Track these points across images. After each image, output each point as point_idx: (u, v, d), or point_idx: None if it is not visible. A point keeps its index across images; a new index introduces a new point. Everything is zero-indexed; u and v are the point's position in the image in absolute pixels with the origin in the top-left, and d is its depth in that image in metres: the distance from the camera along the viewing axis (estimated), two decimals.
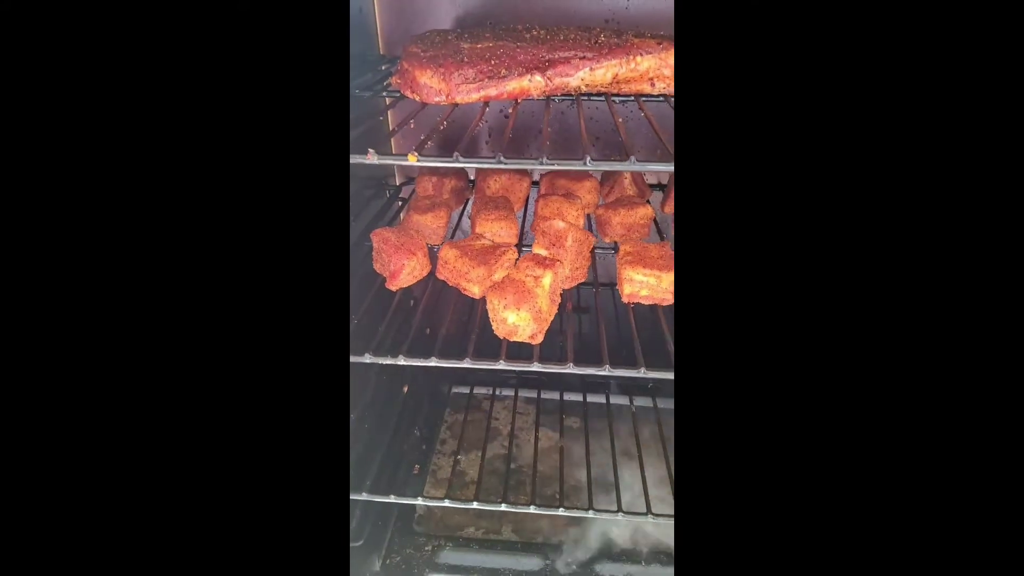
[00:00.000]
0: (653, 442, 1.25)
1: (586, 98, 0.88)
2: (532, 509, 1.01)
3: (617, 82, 0.86)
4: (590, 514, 1.01)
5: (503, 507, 1.02)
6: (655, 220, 1.11)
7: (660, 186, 1.33)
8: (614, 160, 0.73)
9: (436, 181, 1.19)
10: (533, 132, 1.31)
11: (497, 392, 1.50)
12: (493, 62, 0.83)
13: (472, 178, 1.27)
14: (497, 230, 1.03)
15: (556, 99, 0.89)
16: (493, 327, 0.82)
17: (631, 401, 1.42)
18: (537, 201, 1.11)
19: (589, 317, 1.41)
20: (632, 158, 0.71)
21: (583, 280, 0.96)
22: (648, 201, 1.24)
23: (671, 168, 0.71)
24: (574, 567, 1.11)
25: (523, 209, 1.20)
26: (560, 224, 0.90)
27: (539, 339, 0.81)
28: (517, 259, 0.91)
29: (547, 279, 0.81)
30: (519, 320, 0.78)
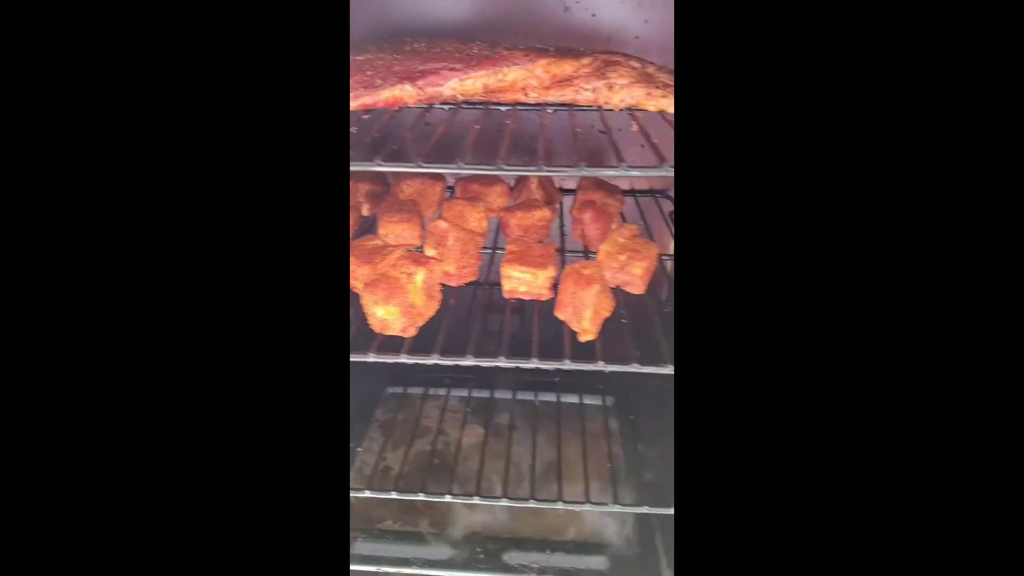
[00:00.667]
0: (574, 436, 1.30)
1: (523, 108, 0.94)
2: (448, 498, 1.06)
3: (490, 91, 0.91)
4: (503, 502, 1.06)
5: (421, 496, 1.06)
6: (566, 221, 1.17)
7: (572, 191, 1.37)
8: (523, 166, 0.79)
9: (352, 185, 1.24)
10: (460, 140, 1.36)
11: (430, 391, 1.55)
12: (369, 73, 0.88)
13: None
14: (399, 232, 1.09)
15: (502, 108, 0.94)
16: (369, 322, 0.87)
17: (558, 398, 1.47)
18: (444, 205, 1.16)
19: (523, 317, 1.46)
20: (541, 164, 0.77)
21: (473, 279, 1.01)
22: (561, 205, 1.30)
23: (581, 173, 0.77)
24: (481, 555, 1.16)
25: (436, 214, 1.25)
26: (443, 224, 0.95)
27: (411, 332, 0.86)
28: None
29: (420, 276, 0.86)
30: (387, 314, 0.83)
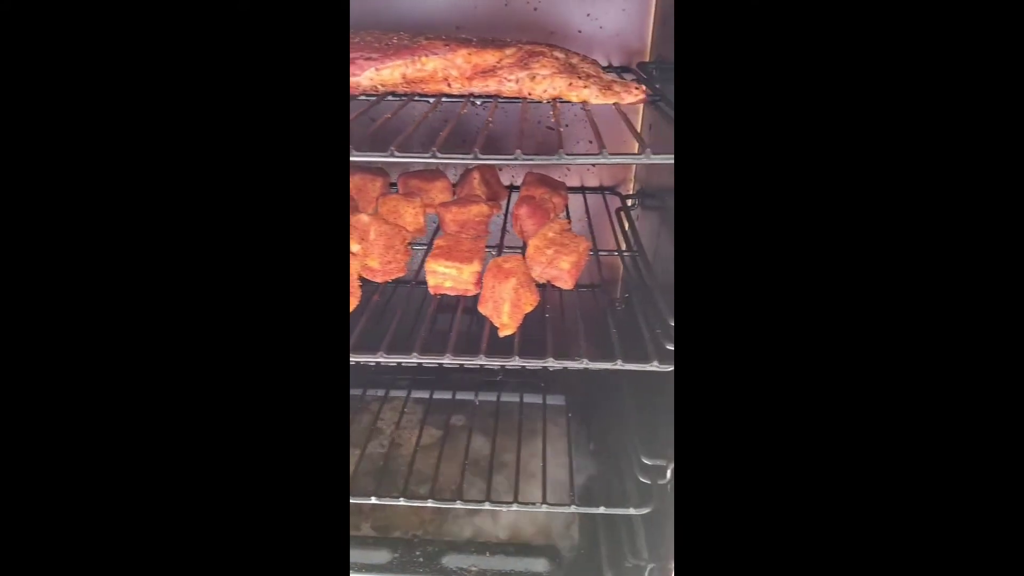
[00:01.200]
0: (532, 438, 1.29)
1: (480, 100, 0.92)
2: (402, 502, 1.03)
3: (411, 81, 0.89)
4: (457, 504, 1.04)
5: (373, 500, 1.04)
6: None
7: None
8: (457, 155, 0.77)
9: None
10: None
11: (388, 394, 1.52)
12: None
13: None
14: None
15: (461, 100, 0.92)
16: None
17: (521, 398, 1.45)
18: (380, 200, 1.14)
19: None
20: (475, 151, 0.75)
21: (400, 274, 0.99)
22: (509, 201, 1.28)
23: (515, 162, 0.75)
24: (420, 559, 1.13)
25: (374, 211, 1.23)
26: (365, 218, 0.93)
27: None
28: None
29: None
30: None
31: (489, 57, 0.90)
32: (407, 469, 1.12)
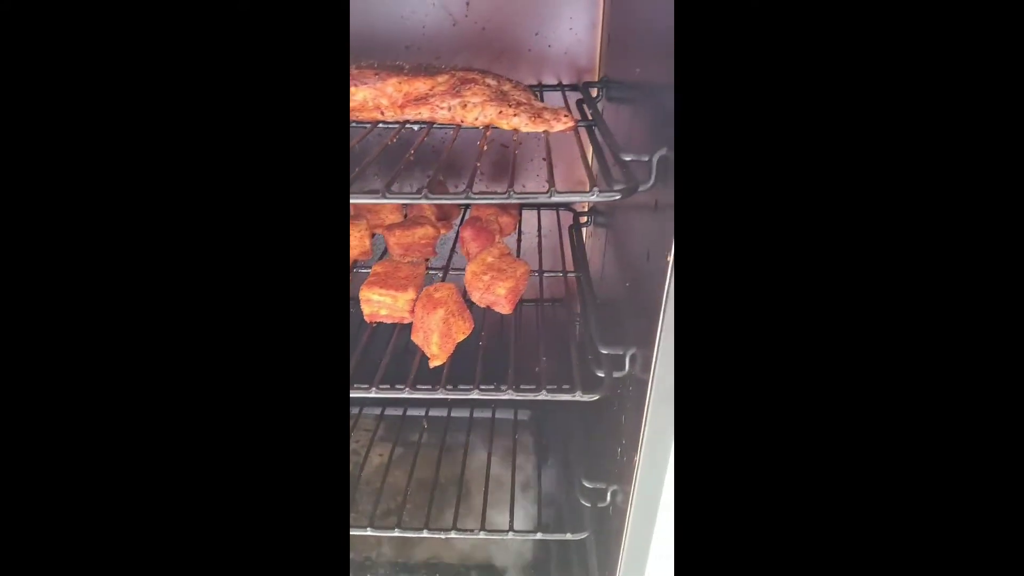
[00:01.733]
0: (481, 455, 1.29)
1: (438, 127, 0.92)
2: (370, 531, 1.03)
3: None
4: (395, 532, 1.04)
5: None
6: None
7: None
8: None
9: None
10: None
11: (361, 412, 1.52)
12: None
13: None
14: None
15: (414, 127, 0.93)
16: None
17: (471, 414, 1.46)
18: None
19: None
20: (468, 191, 0.77)
21: None
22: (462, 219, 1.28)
23: (509, 200, 0.76)
24: None
25: None
26: None
27: None
28: None
29: None
30: None
31: (420, 85, 0.90)
32: (375, 495, 1.13)
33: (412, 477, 1.17)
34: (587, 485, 0.96)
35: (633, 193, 0.70)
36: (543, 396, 0.81)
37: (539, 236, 1.27)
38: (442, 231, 1.17)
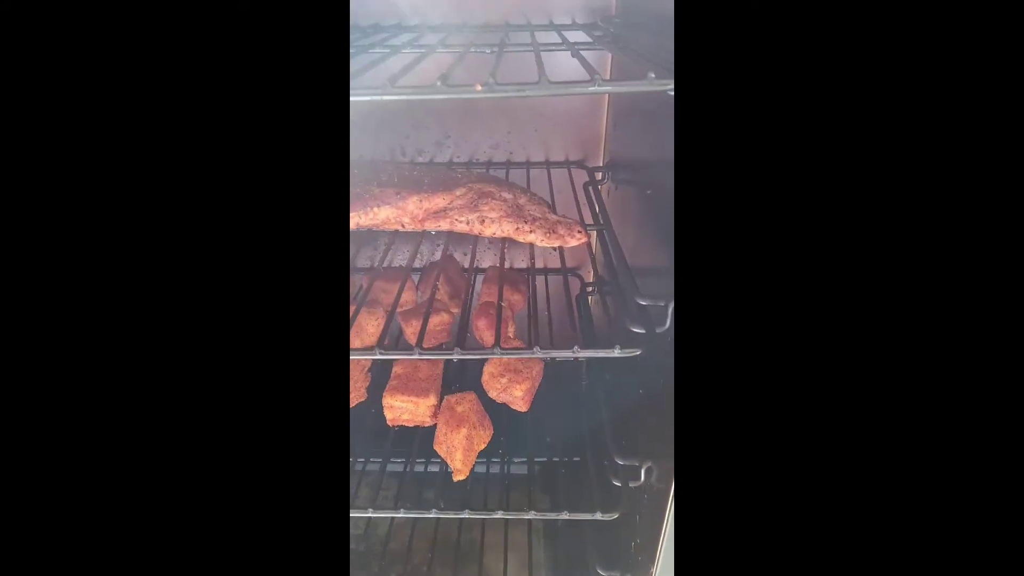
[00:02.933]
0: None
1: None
2: None
3: (363, 226, 0.92)
4: None
5: None
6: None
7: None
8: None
9: None
10: None
11: (366, 467, 1.56)
12: None
13: None
14: None
15: None
16: None
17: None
18: None
19: None
20: (456, 348, 0.81)
21: (360, 400, 1.03)
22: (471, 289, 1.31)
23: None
24: None
25: None
26: None
27: None
28: None
29: None
30: None
31: (439, 201, 0.94)
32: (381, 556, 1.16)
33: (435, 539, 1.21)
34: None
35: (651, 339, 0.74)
36: (565, 516, 0.85)
37: (547, 302, 1.31)
38: (454, 310, 1.21)
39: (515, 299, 1.24)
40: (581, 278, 1.41)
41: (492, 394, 0.98)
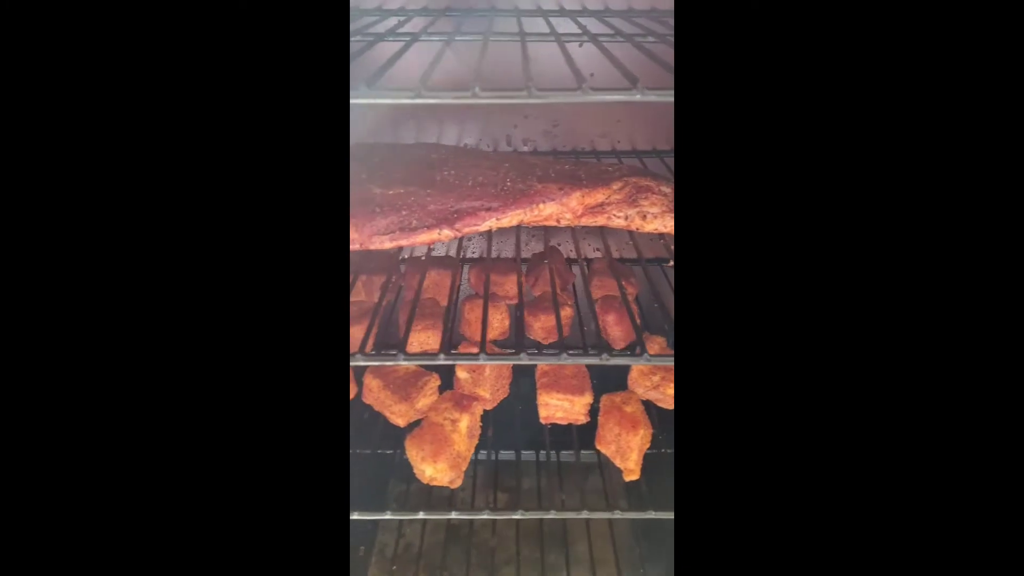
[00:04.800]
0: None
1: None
2: None
3: (523, 223, 0.90)
4: None
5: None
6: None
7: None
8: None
9: (367, 279, 1.22)
10: None
11: None
12: (404, 212, 0.86)
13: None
14: (425, 340, 1.08)
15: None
16: (415, 472, 0.87)
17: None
18: (463, 303, 1.15)
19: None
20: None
21: (504, 396, 1.02)
22: (573, 286, 1.30)
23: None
24: None
25: (451, 303, 1.24)
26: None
27: (458, 483, 0.86)
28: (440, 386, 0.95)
29: (464, 422, 0.86)
30: (436, 472, 0.83)
31: (599, 196, 0.92)
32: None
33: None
34: None
35: None
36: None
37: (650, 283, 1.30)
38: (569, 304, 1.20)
39: (630, 291, 1.23)
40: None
41: (639, 391, 0.97)
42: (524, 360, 0.83)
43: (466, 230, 0.86)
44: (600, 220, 0.92)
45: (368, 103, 0.64)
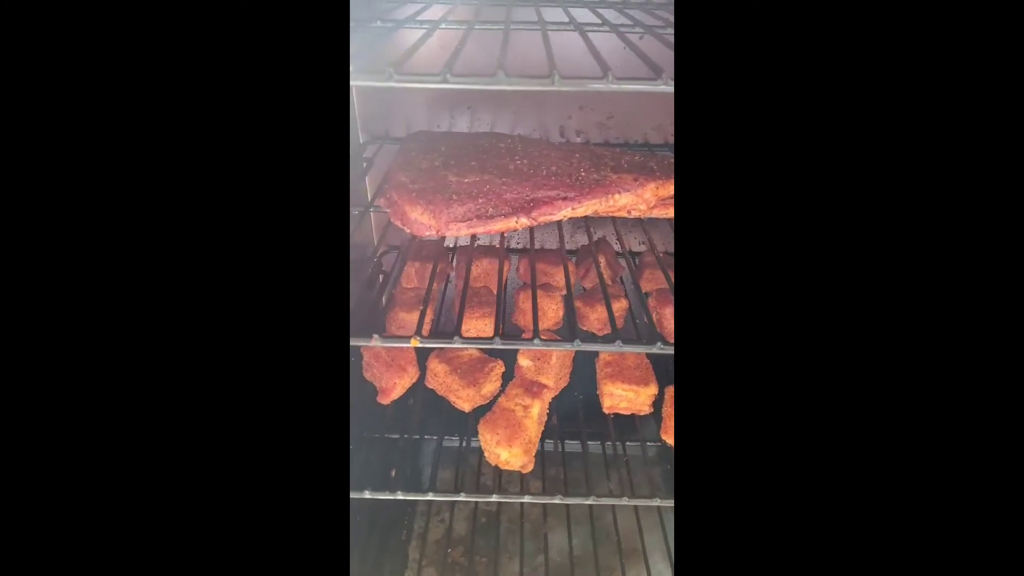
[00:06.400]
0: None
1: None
2: None
3: (596, 214, 0.91)
4: None
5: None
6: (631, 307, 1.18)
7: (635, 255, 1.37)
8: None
9: (419, 267, 1.22)
10: None
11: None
12: (481, 200, 0.87)
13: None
14: (481, 327, 1.08)
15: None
16: (486, 456, 0.88)
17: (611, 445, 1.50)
18: (517, 293, 1.16)
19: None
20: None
21: (566, 384, 1.02)
22: (621, 279, 1.30)
23: None
24: None
25: (501, 292, 1.25)
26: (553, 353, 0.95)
27: (529, 468, 0.87)
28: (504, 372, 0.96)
29: (536, 409, 0.87)
30: (511, 456, 0.84)
31: (672, 188, 0.92)
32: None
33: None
34: None
35: None
36: None
37: None
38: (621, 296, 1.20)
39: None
40: None
41: None
42: (578, 346, 0.83)
43: (542, 219, 0.87)
44: (671, 212, 0.93)
45: (396, 86, 0.63)
